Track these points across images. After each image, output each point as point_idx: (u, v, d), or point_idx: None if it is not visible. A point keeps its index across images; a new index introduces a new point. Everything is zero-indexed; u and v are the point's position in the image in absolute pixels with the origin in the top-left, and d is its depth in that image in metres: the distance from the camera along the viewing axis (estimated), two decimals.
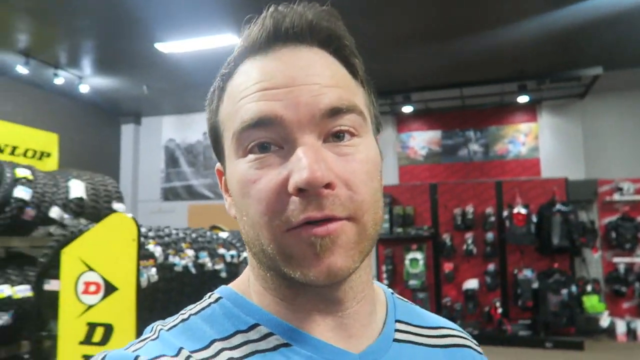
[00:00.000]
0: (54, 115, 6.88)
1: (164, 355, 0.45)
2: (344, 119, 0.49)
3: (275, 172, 0.47)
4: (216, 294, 0.55)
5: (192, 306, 0.55)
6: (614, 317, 6.42)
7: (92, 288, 1.97)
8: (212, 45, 5.42)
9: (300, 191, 0.45)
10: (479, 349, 0.63)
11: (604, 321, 6.27)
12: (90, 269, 1.98)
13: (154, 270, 2.10)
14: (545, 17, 5.02)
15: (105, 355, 0.45)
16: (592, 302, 6.24)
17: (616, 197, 6.64)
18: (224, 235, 3.13)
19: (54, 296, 2.06)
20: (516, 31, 5.37)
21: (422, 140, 7.58)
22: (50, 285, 2.10)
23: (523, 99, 6.82)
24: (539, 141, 7.16)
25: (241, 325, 0.51)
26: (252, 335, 0.50)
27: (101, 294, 1.97)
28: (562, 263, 6.29)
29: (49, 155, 3.77)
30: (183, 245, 2.45)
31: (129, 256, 1.94)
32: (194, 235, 2.68)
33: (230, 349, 0.48)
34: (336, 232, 0.46)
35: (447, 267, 6.61)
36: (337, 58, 0.52)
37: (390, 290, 0.64)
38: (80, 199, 3.09)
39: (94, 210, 3.20)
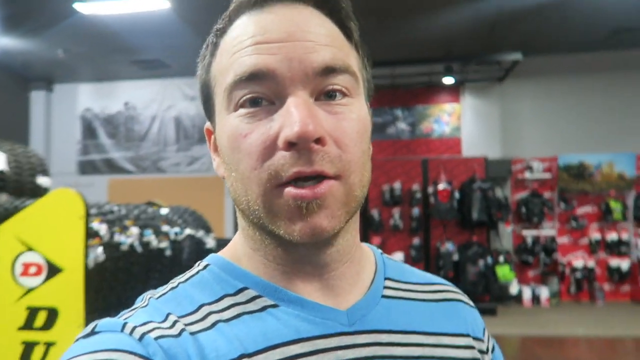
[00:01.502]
0: None
1: (151, 322, 0.47)
2: (337, 79, 0.49)
3: (267, 126, 0.47)
4: (205, 261, 0.56)
5: (181, 276, 0.55)
6: (522, 285, 7.03)
7: (33, 270, 1.81)
8: (139, 8, 5.08)
9: (291, 145, 0.45)
10: (471, 303, 0.65)
11: (513, 288, 6.85)
12: (30, 249, 1.82)
13: (100, 249, 1.97)
14: (474, 4, 5.24)
15: (96, 324, 0.46)
16: (504, 271, 6.78)
17: (527, 175, 7.21)
18: (164, 211, 3.00)
19: None
20: (447, 15, 5.55)
21: None
22: None
23: (448, 80, 7.12)
24: (461, 121, 7.53)
25: (229, 289, 0.51)
26: (240, 298, 0.51)
27: (43, 275, 1.81)
28: (480, 236, 6.75)
29: None
30: (126, 222, 2.32)
31: (75, 235, 1.80)
32: (136, 211, 2.54)
33: (218, 312, 0.49)
34: (324, 195, 0.46)
35: (376, 241, 6.85)
36: (332, 20, 0.52)
37: (380, 251, 0.64)
38: (1, 172, 2.80)
39: (16, 184, 2.92)
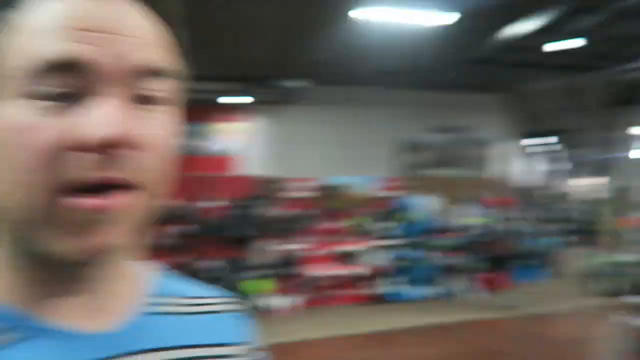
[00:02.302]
0: None
1: None
2: (155, 83, 0.45)
3: (65, 122, 0.40)
4: None
5: None
6: (273, 296, 7.48)
7: None
8: None
9: (88, 147, 0.40)
10: (240, 311, 0.64)
11: (266, 300, 7.27)
12: None
13: None
14: (272, 31, 5.34)
15: None
16: (259, 285, 7.15)
17: (291, 193, 7.73)
18: None
19: None
20: (246, 38, 5.44)
21: None
22: None
23: (232, 100, 7.01)
24: (236, 140, 7.56)
25: None
26: None
27: None
28: (240, 251, 6.98)
29: None
30: None
31: None
32: None
33: None
34: (115, 208, 0.42)
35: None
36: (158, 20, 0.47)
37: (158, 265, 0.60)
38: None
39: None
